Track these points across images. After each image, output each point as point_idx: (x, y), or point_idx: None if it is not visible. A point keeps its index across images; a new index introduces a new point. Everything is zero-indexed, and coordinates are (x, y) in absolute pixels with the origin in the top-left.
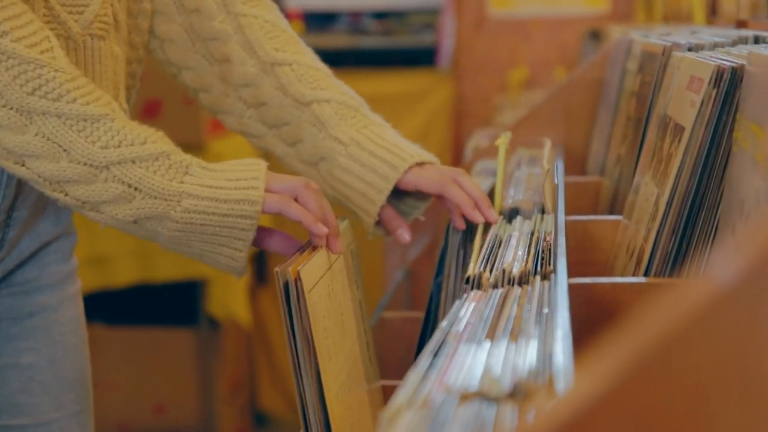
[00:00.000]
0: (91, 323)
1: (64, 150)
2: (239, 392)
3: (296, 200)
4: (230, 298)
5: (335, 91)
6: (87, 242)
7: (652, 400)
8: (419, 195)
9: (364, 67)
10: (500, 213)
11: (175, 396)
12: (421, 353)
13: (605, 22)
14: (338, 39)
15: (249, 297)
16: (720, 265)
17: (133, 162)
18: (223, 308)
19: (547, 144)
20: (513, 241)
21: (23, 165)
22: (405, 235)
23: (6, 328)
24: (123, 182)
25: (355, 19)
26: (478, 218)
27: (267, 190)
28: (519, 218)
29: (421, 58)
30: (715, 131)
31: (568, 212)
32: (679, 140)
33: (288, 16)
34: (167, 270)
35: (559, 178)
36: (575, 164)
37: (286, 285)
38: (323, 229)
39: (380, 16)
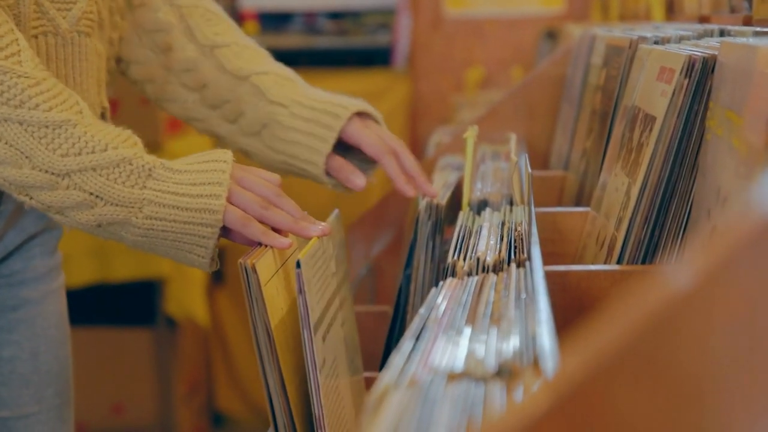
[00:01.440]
0: None
1: (27, 157)
2: (197, 392)
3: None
4: (188, 298)
5: (273, 66)
6: None
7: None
8: (365, 157)
9: (319, 67)
10: (468, 205)
11: (133, 396)
12: (402, 338)
13: (561, 22)
14: (293, 39)
15: (207, 297)
16: (696, 253)
17: (94, 170)
18: (180, 308)
19: (513, 138)
20: (484, 232)
21: None
22: (357, 180)
23: None
24: (84, 190)
25: (310, 20)
26: (409, 191)
27: (232, 203)
28: (488, 210)
29: (377, 58)
30: (687, 120)
31: (534, 205)
32: (651, 130)
33: (243, 16)
34: (125, 270)
35: (528, 170)
36: (538, 159)
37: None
38: (286, 242)
39: (335, 16)
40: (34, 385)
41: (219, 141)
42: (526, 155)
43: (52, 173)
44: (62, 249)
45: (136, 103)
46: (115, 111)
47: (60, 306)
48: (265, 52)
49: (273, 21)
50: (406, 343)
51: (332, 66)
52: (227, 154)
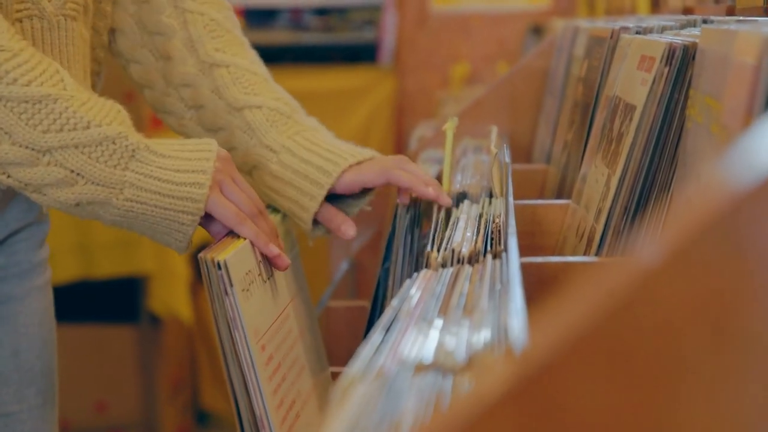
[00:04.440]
0: None
1: (6, 133)
2: (181, 390)
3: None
4: (171, 295)
5: (268, 96)
6: None
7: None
8: (360, 192)
9: (305, 63)
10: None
11: (116, 393)
12: (371, 329)
13: (546, 18)
14: (279, 35)
15: (190, 293)
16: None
17: (76, 147)
18: (164, 305)
19: (494, 130)
20: (461, 224)
21: None
22: (349, 231)
23: None
24: (65, 167)
25: (296, 16)
26: (431, 194)
27: (223, 194)
28: (467, 202)
29: (363, 54)
30: (667, 108)
31: (515, 199)
32: (631, 119)
33: None
34: (108, 266)
35: (507, 162)
36: (521, 153)
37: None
38: (276, 250)
39: (321, 12)
40: (14, 383)
41: None
42: (507, 148)
43: (33, 149)
44: None
45: (120, 99)
46: None
47: (44, 303)
48: (264, 75)
49: (259, 17)
50: (375, 335)
51: (318, 62)
52: (213, 144)
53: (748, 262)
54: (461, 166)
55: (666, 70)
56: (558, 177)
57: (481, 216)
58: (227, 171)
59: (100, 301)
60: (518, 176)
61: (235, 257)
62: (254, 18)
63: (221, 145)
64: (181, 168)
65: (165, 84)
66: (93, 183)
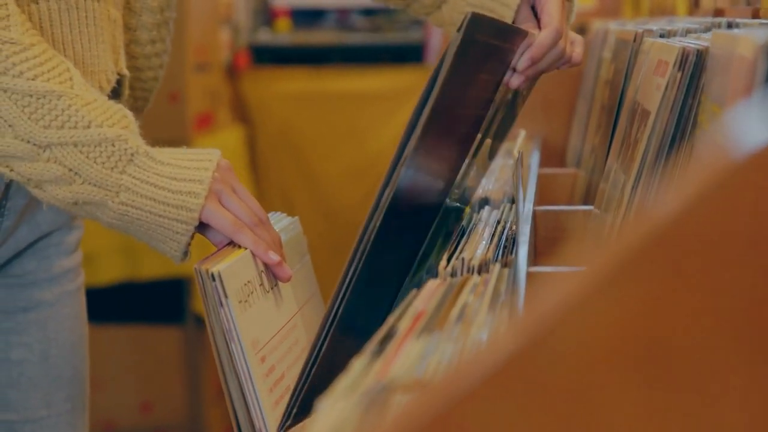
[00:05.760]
0: None
1: (9, 125)
2: None
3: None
4: None
5: None
6: None
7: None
8: None
9: (352, 63)
10: (470, 203)
11: (162, 394)
12: (368, 342)
13: (592, 18)
14: (326, 36)
15: None
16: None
17: (75, 145)
18: None
19: (521, 134)
20: (478, 230)
21: None
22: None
23: None
24: (63, 165)
25: (343, 16)
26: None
27: (222, 204)
28: (487, 208)
29: (409, 54)
30: (680, 115)
31: (542, 204)
32: (645, 125)
33: (275, 13)
34: (153, 268)
35: (533, 169)
36: (555, 157)
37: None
38: (276, 258)
39: (368, 12)
40: (43, 388)
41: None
42: (537, 153)
43: (34, 144)
44: (90, 247)
45: (164, 99)
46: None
47: (76, 309)
48: None
49: (306, 17)
50: (371, 347)
51: (365, 62)
52: (215, 154)
53: (677, 292)
54: (488, 170)
55: (679, 75)
56: (586, 181)
57: (498, 222)
58: (227, 181)
59: (145, 302)
60: (548, 180)
61: (230, 268)
62: (301, 18)
63: None
64: (178, 176)
65: None
66: (90, 183)
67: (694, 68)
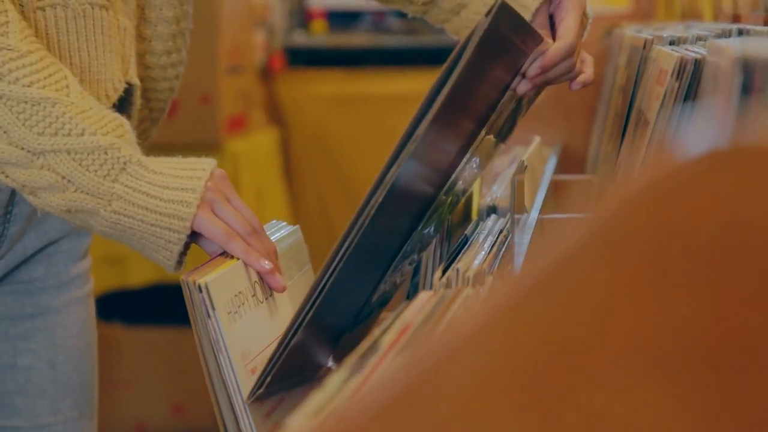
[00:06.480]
0: (109, 323)
1: (4, 132)
2: None
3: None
4: None
5: None
6: (104, 242)
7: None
8: None
9: (387, 66)
10: (477, 212)
11: (193, 396)
12: (348, 356)
13: (625, 21)
14: (362, 38)
15: None
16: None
17: (68, 153)
18: None
19: (535, 140)
20: (479, 240)
21: None
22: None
23: (5, 329)
24: (56, 172)
25: (379, 18)
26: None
27: (215, 213)
28: (493, 217)
29: (445, 56)
30: (678, 125)
31: (557, 211)
32: (644, 135)
33: (311, 15)
34: (184, 270)
35: (547, 175)
36: (575, 163)
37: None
38: (268, 266)
39: (404, 15)
40: (50, 395)
41: None
42: (554, 160)
43: (28, 150)
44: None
45: (196, 102)
46: (175, 110)
47: (84, 315)
48: None
49: (341, 19)
50: (350, 362)
51: (400, 65)
52: (209, 163)
53: (569, 327)
54: (501, 177)
55: (676, 84)
56: (599, 189)
57: (501, 232)
58: (220, 190)
59: (177, 304)
60: (563, 187)
61: (219, 280)
62: (337, 20)
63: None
64: (170, 185)
65: None
66: (82, 191)
67: (691, 78)
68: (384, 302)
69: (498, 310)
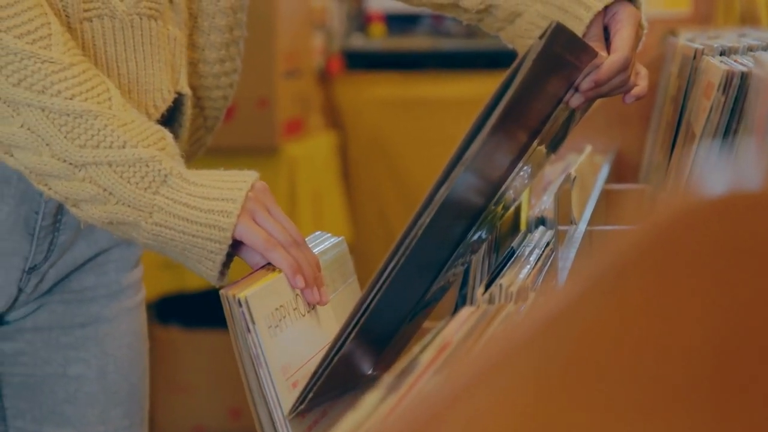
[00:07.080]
0: (168, 326)
1: (47, 144)
2: None
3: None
4: None
5: None
6: None
7: None
8: None
9: (446, 69)
10: (526, 223)
11: None
12: (386, 373)
13: (685, 24)
14: (420, 41)
15: None
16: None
17: (109, 165)
18: None
19: (586, 149)
20: (525, 254)
21: (11, 155)
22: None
23: (56, 337)
24: (98, 184)
25: (438, 21)
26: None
27: (256, 223)
28: (541, 228)
29: (504, 60)
30: (724, 141)
31: (608, 221)
32: (691, 149)
33: (370, 18)
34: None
35: (598, 184)
36: (630, 171)
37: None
38: (302, 284)
39: None
40: (100, 404)
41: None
42: (607, 169)
43: (70, 163)
44: None
45: (253, 107)
46: (232, 115)
47: (135, 325)
48: None
49: (400, 22)
50: (387, 381)
51: (459, 68)
52: (251, 175)
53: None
54: (552, 186)
55: (723, 99)
56: (651, 199)
57: (547, 245)
58: (262, 201)
59: None
60: (616, 197)
61: (259, 293)
62: (396, 24)
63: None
64: (210, 196)
65: None
66: (123, 203)
67: (738, 92)
68: (435, 300)
69: (536, 328)
